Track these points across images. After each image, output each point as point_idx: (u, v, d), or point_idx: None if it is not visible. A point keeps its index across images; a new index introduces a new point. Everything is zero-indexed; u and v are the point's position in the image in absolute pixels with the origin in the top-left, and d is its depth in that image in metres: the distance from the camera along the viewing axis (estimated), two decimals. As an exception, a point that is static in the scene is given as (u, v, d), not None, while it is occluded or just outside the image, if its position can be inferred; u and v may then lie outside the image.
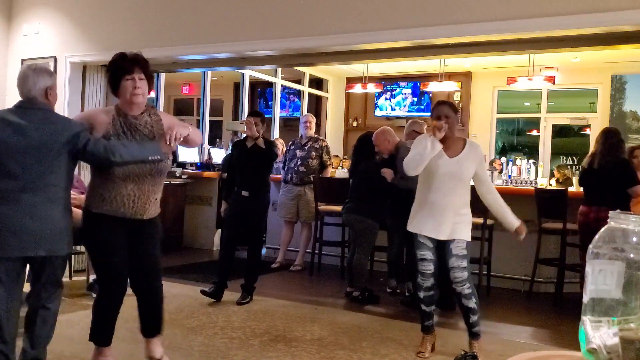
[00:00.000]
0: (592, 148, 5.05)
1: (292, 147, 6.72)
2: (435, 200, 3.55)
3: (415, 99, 10.24)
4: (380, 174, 5.08)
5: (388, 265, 5.51)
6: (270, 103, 10.59)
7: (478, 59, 8.58)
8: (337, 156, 8.70)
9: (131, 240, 2.99)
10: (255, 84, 10.76)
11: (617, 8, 3.75)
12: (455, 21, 4.23)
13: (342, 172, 7.58)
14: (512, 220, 3.63)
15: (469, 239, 3.59)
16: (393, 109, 10.42)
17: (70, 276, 5.35)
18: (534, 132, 9.88)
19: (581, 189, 5.20)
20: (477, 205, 5.23)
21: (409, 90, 10.27)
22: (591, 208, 4.81)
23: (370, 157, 5.29)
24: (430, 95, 9.94)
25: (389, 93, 10.41)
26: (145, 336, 3.18)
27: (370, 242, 5.26)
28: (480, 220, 5.25)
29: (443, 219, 3.53)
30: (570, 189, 5.88)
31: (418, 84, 9.94)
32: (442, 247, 3.59)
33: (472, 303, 3.56)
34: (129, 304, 4.76)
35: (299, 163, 6.56)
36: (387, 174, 5.05)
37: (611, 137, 4.89)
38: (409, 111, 10.28)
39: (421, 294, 3.67)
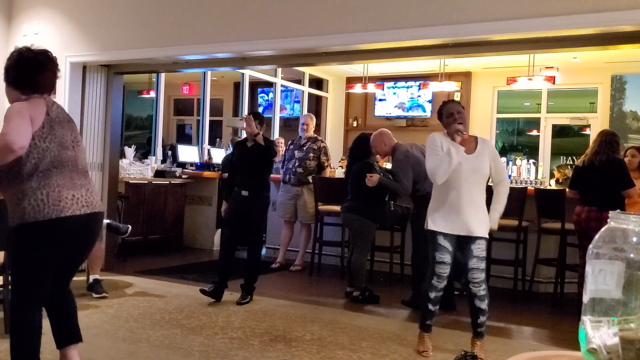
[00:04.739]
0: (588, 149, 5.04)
1: (291, 147, 6.70)
2: (459, 198, 3.54)
3: (415, 99, 10.23)
4: (375, 174, 5.07)
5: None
6: (270, 103, 10.59)
7: (478, 59, 8.57)
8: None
9: None
10: (255, 84, 10.75)
11: (617, 8, 3.75)
12: (455, 21, 4.23)
13: (342, 172, 7.58)
14: (493, 218, 3.65)
15: (487, 236, 3.62)
16: (393, 109, 10.42)
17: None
18: (534, 132, 9.88)
19: (567, 189, 5.19)
20: (512, 207, 5.22)
21: (409, 90, 10.26)
22: (583, 208, 4.84)
23: (365, 157, 5.29)
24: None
25: (389, 93, 10.40)
26: (60, 346, 2.87)
27: (368, 241, 5.26)
28: (515, 222, 5.24)
29: (469, 213, 3.54)
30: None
31: (418, 84, 9.94)
32: (462, 247, 3.60)
33: (484, 305, 3.61)
34: (129, 304, 4.76)
35: (296, 164, 6.54)
36: (374, 179, 4.98)
37: (605, 136, 4.89)
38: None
39: (432, 294, 3.67)
